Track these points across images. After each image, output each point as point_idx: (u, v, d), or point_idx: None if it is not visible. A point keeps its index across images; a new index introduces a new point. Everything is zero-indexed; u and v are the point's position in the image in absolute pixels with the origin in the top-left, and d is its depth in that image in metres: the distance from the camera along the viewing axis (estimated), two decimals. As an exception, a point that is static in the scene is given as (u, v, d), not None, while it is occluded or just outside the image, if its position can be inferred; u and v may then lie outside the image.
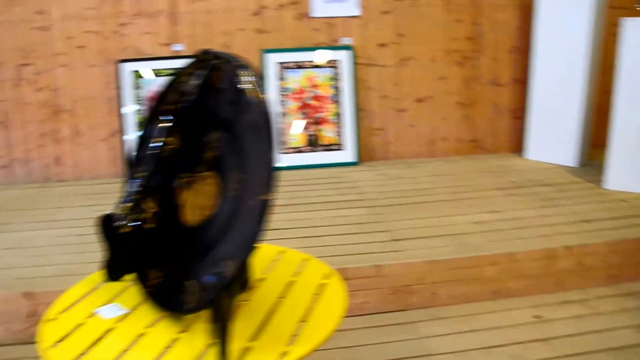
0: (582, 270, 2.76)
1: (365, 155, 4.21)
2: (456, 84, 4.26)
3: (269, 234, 2.61)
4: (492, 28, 4.24)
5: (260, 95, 1.04)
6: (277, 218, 3.03)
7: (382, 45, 4.14)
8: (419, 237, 2.79)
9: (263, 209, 1.04)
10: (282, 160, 4.04)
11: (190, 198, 1.11)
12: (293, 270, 1.61)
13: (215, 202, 1.06)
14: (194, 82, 1.01)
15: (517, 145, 4.39)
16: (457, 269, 2.58)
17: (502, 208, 3.20)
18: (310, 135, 4.10)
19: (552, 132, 4.04)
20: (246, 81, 1.02)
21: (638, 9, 3.35)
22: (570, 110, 3.93)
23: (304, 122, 4.09)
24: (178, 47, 3.99)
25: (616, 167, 3.47)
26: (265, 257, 1.67)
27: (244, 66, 1.03)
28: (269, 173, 0.99)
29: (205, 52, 1.03)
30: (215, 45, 3.96)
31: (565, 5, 3.85)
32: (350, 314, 2.50)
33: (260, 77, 0.99)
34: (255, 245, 1.08)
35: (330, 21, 4.09)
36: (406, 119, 4.25)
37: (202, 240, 1.12)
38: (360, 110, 4.16)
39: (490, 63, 4.28)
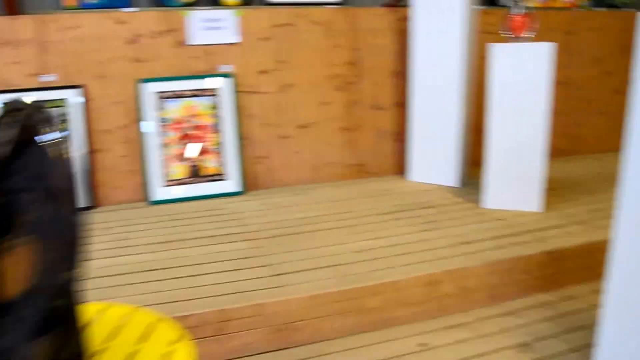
0: (464, 293, 2.78)
1: (249, 184, 4.10)
2: (339, 109, 4.26)
3: (139, 279, 2.39)
4: (371, 53, 4.28)
5: (63, 154, 0.91)
6: (153, 258, 2.86)
7: (263, 72, 4.07)
8: (301, 270, 2.71)
9: (67, 285, 0.91)
10: (163, 193, 3.86)
11: (7, 268, 0.95)
12: (139, 335, 1.42)
13: (29, 273, 0.91)
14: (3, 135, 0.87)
15: (400, 168, 4.44)
16: (341, 302, 2.51)
17: (386, 234, 3.19)
18: (192, 166, 3.95)
19: (433, 153, 4.12)
20: (48, 138, 0.89)
21: (503, 35, 3.47)
22: (449, 131, 4.02)
23: (200, 145, 3.93)
24: (48, 78, 3.73)
25: (492, 186, 3.57)
26: (110, 321, 1.48)
27: (47, 120, 0.90)
28: (71, 243, 0.87)
29: (14, 102, 0.89)
30: (90, 76, 3.75)
31: (438, 30, 3.96)
32: (232, 356, 2.37)
33: (64, 134, 0.86)
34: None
35: (208, 49, 3.97)
36: (290, 145, 4.19)
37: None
38: (242, 138, 4.06)
39: (371, 87, 4.32)
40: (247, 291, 2.50)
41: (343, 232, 3.24)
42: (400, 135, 4.42)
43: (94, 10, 3.80)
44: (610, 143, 5.27)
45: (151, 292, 2.50)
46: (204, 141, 3.97)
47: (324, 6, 4.24)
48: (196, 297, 2.45)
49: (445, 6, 3.89)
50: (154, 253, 2.95)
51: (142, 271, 2.73)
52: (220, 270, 2.73)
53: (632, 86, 2.16)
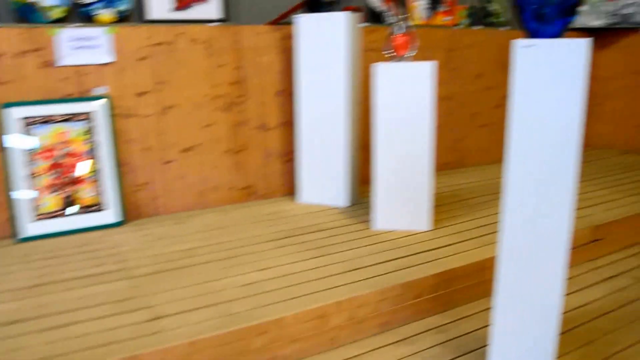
0: (355, 324, 2.70)
1: (131, 213, 3.85)
2: (224, 131, 4.10)
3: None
4: (256, 72, 4.16)
5: None
6: (16, 307, 2.57)
7: (141, 93, 3.84)
8: (182, 312, 2.52)
9: None
10: (33, 228, 3.53)
11: None
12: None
13: None
14: None
15: (291, 189, 4.34)
16: (223, 346, 2.35)
17: (273, 263, 3.06)
18: (66, 197, 3.64)
19: (322, 173, 4.05)
20: None
21: (386, 55, 3.45)
22: (337, 150, 3.96)
23: (90, 162, 3.63)
24: None
25: (381, 206, 3.53)
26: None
27: None
28: None
29: None
30: (-62, 99, 3.36)
31: (322, 49, 3.89)
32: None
33: None
34: None
35: (80, 69, 3.69)
36: (173, 170, 3.98)
37: None
38: (121, 165, 3.80)
39: (257, 107, 4.19)
40: (121, 341, 2.28)
41: (228, 264, 3.08)
42: (289, 156, 4.32)
43: (-55, 28, 3.43)
44: (494, 155, 5.44)
45: (9, 351, 2.23)
46: (77, 169, 3.68)
47: (204, 24, 4.07)
48: (62, 352, 2.21)
49: (328, 24, 3.84)
50: (17, 301, 2.66)
51: (0, 325, 2.44)
52: (94, 317, 2.49)
53: (510, 100, 2.16)
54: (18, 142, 3.55)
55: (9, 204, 3.50)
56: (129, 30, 3.76)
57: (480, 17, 5.65)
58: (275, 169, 4.31)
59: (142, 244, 3.39)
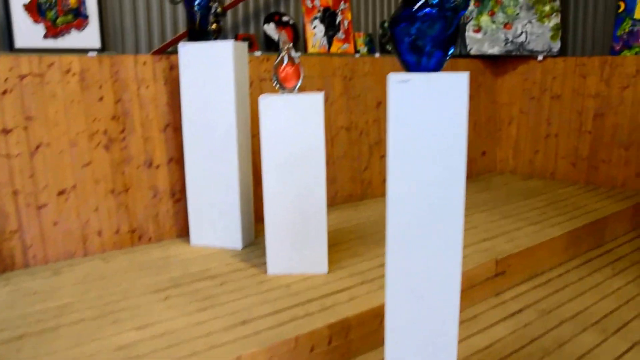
0: (242, 386, 2.42)
1: (-5, 265, 3.41)
2: (105, 170, 3.74)
3: None
4: (139, 105, 3.84)
5: None
6: None
7: (6, 131, 3.43)
8: (36, 389, 2.16)
9: None
10: None
11: None
12: None
13: None
14: None
15: (183, 231, 4.03)
16: None
17: (153, 319, 2.74)
18: None
19: (214, 213, 3.76)
20: None
21: (276, 87, 3.24)
22: (228, 188, 3.70)
23: None
24: None
25: (274, 248, 3.29)
26: None
27: None
28: None
29: None
30: None
31: (208, 79, 3.64)
32: None
33: None
34: None
35: None
36: (48, 215, 3.57)
37: None
38: (-17, 211, 3.37)
39: (141, 143, 3.86)
40: None
41: (104, 322, 2.73)
42: (180, 194, 4.01)
43: None
44: (397, 186, 5.32)
45: None
46: None
47: (78, 54, 3.72)
48: None
49: (213, 54, 3.59)
50: None
51: None
52: None
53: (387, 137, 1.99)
54: None
55: None
56: (-10, 61, 3.37)
57: (380, 44, 5.58)
58: (166, 209, 3.99)
59: (9, 302, 2.98)
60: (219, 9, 3.61)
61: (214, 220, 3.77)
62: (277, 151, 3.18)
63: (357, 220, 4.43)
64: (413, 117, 1.97)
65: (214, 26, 3.62)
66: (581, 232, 4.21)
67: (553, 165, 5.81)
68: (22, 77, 3.46)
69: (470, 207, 4.73)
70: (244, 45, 3.74)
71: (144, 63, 3.86)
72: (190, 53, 3.64)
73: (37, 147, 3.53)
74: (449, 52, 2.16)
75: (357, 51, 5.27)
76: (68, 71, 3.59)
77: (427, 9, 2.12)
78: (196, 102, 3.69)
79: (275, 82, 3.21)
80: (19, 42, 3.72)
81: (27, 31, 3.74)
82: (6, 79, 3.42)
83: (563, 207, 4.72)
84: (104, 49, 4.01)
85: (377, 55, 5.21)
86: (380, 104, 5.13)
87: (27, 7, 3.74)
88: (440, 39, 2.12)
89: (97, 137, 3.71)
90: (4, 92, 3.41)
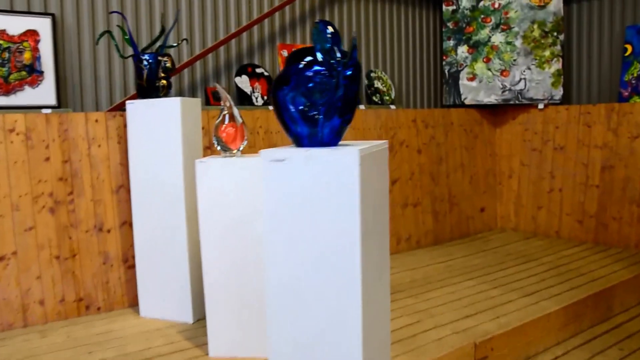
0: None
1: None
2: (49, 234, 3.49)
3: None
4: (89, 165, 3.61)
5: None
6: None
7: (-61, 194, 3.22)
8: None
9: None
10: None
11: None
12: None
13: None
14: None
15: (135, 299, 3.73)
16: None
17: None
18: None
19: (163, 283, 3.47)
20: None
21: (218, 149, 2.96)
22: (177, 255, 3.41)
23: None
24: None
25: (216, 327, 2.95)
26: None
27: None
28: None
29: None
30: None
31: (155, 138, 3.39)
32: None
33: None
34: None
35: None
36: (-17, 284, 3.32)
37: None
38: None
39: (91, 206, 3.61)
40: None
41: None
42: (133, 260, 3.73)
43: None
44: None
45: None
46: None
47: (25, 111, 3.53)
48: None
49: (159, 111, 3.34)
50: None
51: None
52: None
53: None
54: None
55: None
56: None
57: (366, 95, 5.30)
58: (117, 276, 3.71)
59: None
60: (169, 64, 3.38)
61: (164, 290, 3.47)
62: (216, 219, 2.88)
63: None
64: (291, 201, 1.66)
65: (162, 82, 3.38)
66: (584, 305, 3.70)
67: (558, 223, 5.38)
68: (-41, 138, 3.26)
69: (458, 274, 4.34)
70: (197, 101, 3.49)
71: (96, 121, 3.64)
72: (137, 110, 3.41)
73: (-26, 212, 3.30)
74: (347, 119, 1.86)
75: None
76: (12, 130, 3.39)
77: (316, 67, 1.84)
78: (144, 162, 3.44)
79: (217, 144, 2.94)
80: (-33, 99, 3.54)
81: (-24, 88, 3.57)
82: (-58, 140, 3.22)
83: (565, 273, 4.27)
84: (60, 106, 3.82)
85: (362, 107, 4.93)
86: (364, 159, 4.81)
87: (-23, 64, 3.58)
88: (333, 104, 1.82)
89: (42, 199, 3.48)
90: (-61, 154, 3.21)
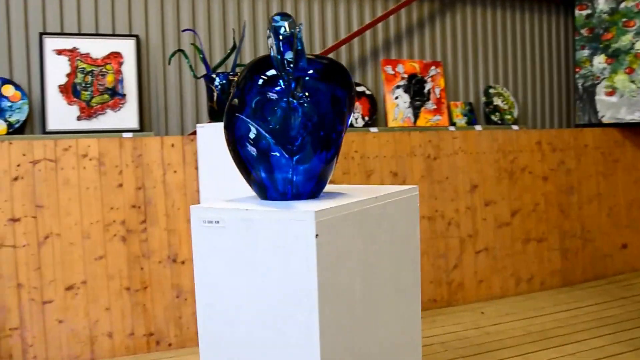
0: None
1: (-13, 368, 3.12)
2: (120, 265, 3.34)
3: None
4: (164, 192, 3.42)
5: None
6: None
7: (14, 220, 3.19)
8: None
9: None
10: None
11: None
12: None
13: None
14: None
15: (207, 336, 3.46)
16: None
17: None
18: None
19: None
20: None
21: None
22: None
23: None
24: None
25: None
26: None
27: None
28: None
29: None
30: None
31: (226, 163, 3.10)
32: None
33: None
34: None
35: (-62, 192, 3.10)
36: (53, 312, 3.24)
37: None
38: (-17, 307, 3.11)
39: (164, 235, 3.42)
40: None
41: None
42: (206, 294, 3.48)
43: None
44: (494, 288, 4.34)
45: None
46: None
47: (107, 135, 3.43)
48: None
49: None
50: None
51: None
52: None
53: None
54: None
55: None
56: (1, 147, 3.16)
57: (484, 114, 4.71)
58: (190, 311, 3.48)
59: None
60: (239, 85, 3.09)
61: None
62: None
63: (441, 336, 3.55)
64: (232, 274, 1.27)
65: (233, 104, 3.10)
66: None
67: None
68: (34, 163, 3.22)
69: (585, 328, 3.62)
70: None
71: (172, 145, 3.46)
72: (208, 134, 3.16)
73: (46, 238, 3.23)
74: (323, 157, 1.40)
75: (452, 124, 4.47)
76: (85, 155, 3.29)
77: (278, 87, 1.40)
78: (214, 189, 3.17)
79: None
80: (52, 124, 3.53)
81: (61, 113, 3.54)
82: (18, 165, 3.19)
83: None
84: (142, 129, 3.70)
85: (478, 128, 4.35)
86: (476, 188, 4.24)
87: (62, 89, 3.55)
88: (307, 134, 1.39)
89: (114, 227, 3.34)
90: (15, 179, 3.19)
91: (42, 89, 3.53)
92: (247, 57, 3.94)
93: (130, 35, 3.70)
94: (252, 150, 1.43)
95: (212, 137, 3.16)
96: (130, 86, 3.66)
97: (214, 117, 3.20)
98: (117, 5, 3.73)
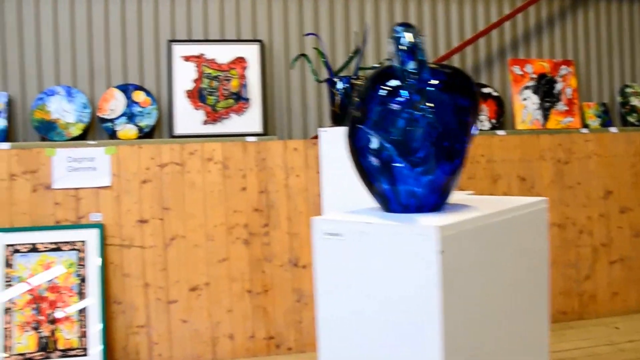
0: None
1: (118, 363, 3.23)
2: (242, 267, 3.37)
3: None
4: (286, 196, 3.42)
5: None
6: None
7: (142, 221, 3.29)
8: None
9: None
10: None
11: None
12: None
13: None
14: None
15: (326, 343, 3.41)
16: None
17: None
18: (42, 338, 3.14)
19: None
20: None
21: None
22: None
23: (76, 298, 3.14)
24: None
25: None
26: None
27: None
28: None
29: None
30: None
31: (348, 172, 3.03)
32: None
33: None
34: None
35: (76, 193, 3.26)
36: (177, 312, 3.31)
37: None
38: (114, 303, 3.24)
39: (286, 239, 3.41)
40: None
41: None
42: (326, 300, 3.43)
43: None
44: (630, 301, 3.99)
45: None
46: (61, 307, 3.18)
47: (231, 139, 3.48)
48: None
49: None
50: None
51: None
52: None
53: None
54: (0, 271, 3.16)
55: (-24, 347, 3.09)
56: (131, 150, 3.29)
57: (620, 115, 4.36)
58: (310, 316, 3.44)
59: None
60: (363, 87, 3.02)
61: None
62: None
63: (571, 352, 3.31)
64: (351, 287, 1.20)
65: (356, 107, 3.03)
66: None
67: None
68: (162, 166, 3.31)
69: None
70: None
71: (295, 149, 3.44)
72: (330, 138, 3.11)
73: (172, 239, 3.31)
74: (448, 169, 1.29)
75: (585, 125, 4.17)
76: (210, 159, 3.35)
77: (404, 94, 1.31)
78: (336, 194, 3.11)
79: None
80: (179, 128, 3.62)
81: (187, 118, 3.63)
82: (147, 168, 3.29)
83: None
84: (266, 133, 3.72)
85: (613, 130, 4.03)
86: (610, 194, 3.92)
87: (189, 94, 3.64)
88: (421, 145, 1.28)
89: (237, 230, 3.37)
90: (144, 182, 3.29)
91: (169, 95, 3.63)
92: (370, 61, 3.87)
93: (254, 41, 3.73)
94: (374, 161, 1.37)
95: (334, 141, 3.10)
96: (254, 90, 3.68)
97: (336, 121, 3.14)
98: (241, 11, 3.77)
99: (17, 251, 3.21)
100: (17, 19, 3.49)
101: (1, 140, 3.33)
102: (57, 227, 3.24)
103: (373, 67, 3.37)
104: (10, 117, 3.44)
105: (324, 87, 3.81)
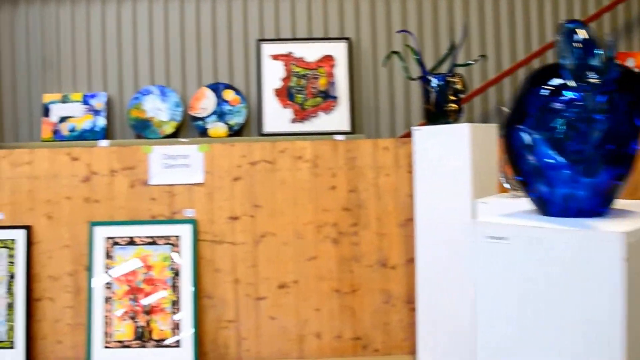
0: None
1: (211, 354, 3.29)
2: (330, 266, 3.36)
3: None
4: (376, 196, 3.39)
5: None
6: None
7: (233, 218, 3.34)
8: None
9: None
10: (103, 356, 3.18)
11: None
12: None
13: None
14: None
15: (414, 345, 3.37)
16: None
17: None
18: (139, 327, 3.24)
19: (445, 331, 3.03)
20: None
21: (507, 188, 2.43)
22: (461, 299, 2.93)
23: (169, 291, 3.24)
24: (-4, 216, 3.34)
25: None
26: None
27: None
28: None
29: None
30: (39, 216, 3.29)
31: (441, 168, 2.98)
32: None
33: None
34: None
35: (170, 189, 3.35)
36: (266, 309, 3.34)
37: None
38: (205, 297, 3.30)
39: (375, 239, 3.38)
40: None
41: None
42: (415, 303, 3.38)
43: (49, 144, 3.40)
44: None
45: None
46: (155, 297, 3.27)
47: (319, 137, 3.48)
48: None
49: (448, 137, 2.93)
50: None
51: None
52: None
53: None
54: (101, 262, 3.28)
55: (89, 326, 3.22)
56: (223, 148, 3.33)
57: None
58: (399, 318, 3.40)
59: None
60: (459, 86, 2.96)
61: (444, 338, 3.03)
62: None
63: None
64: (513, 291, 1.12)
65: (452, 106, 2.97)
66: None
67: None
68: (253, 164, 3.34)
69: None
70: (491, 128, 2.99)
71: (385, 148, 3.40)
72: (423, 137, 3.06)
73: (262, 237, 3.34)
74: (619, 174, 1.20)
75: None
76: (300, 157, 3.36)
77: (569, 94, 1.22)
78: (430, 194, 3.06)
79: (504, 180, 2.42)
80: (268, 126, 3.66)
81: (276, 116, 3.66)
82: (239, 166, 3.34)
83: None
84: (354, 132, 3.70)
85: None
86: None
87: (278, 92, 3.67)
88: (593, 150, 1.20)
89: (326, 229, 3.36)
90: (235, 179, 3.33)
91: (258, 93, 3.67)
92: (461, 58, 3.79)
93: (342, 38, 3.72)
94: (532, 161, 1.30)
95: (428, 140, 3.05)
96: (341, 88, 3.67)
97: (430, 119, 3.09)
98: (329, 9, 3.77)
99: (116, 243, 3.32)
100: (116, 23, 3.61)
101: (101, 138, 3.45)
102: (153, 221, 3.33)
103: (467, 64, 3.29)
104: (109, 116, 3.56)
105: (413, 85, 3.76)
